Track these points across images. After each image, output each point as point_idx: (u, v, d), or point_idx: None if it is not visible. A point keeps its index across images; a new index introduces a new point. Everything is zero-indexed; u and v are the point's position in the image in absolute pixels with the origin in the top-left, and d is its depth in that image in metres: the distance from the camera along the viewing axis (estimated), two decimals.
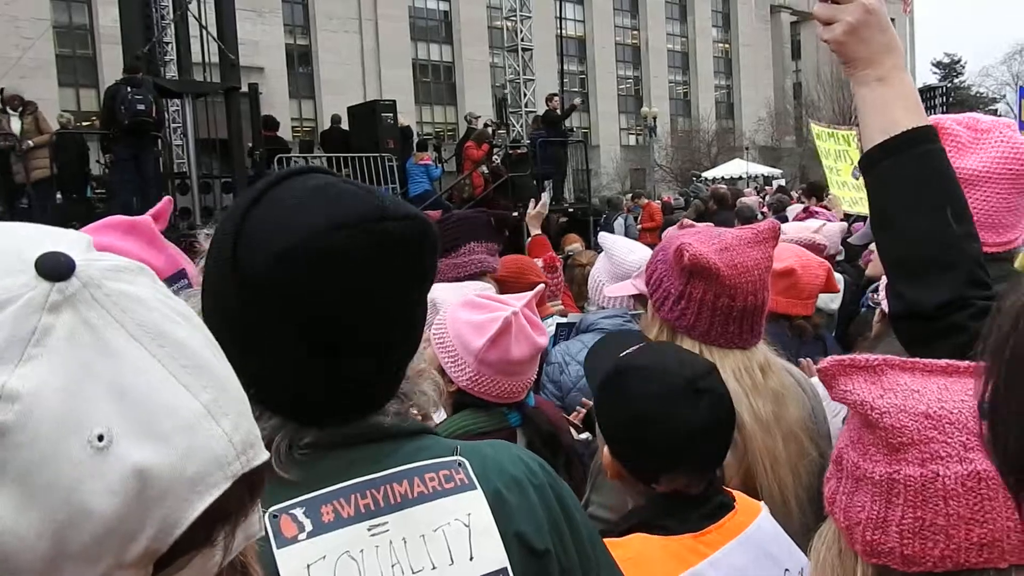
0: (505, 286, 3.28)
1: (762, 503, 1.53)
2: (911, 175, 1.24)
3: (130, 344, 0.52)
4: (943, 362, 0.86)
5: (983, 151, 1.69)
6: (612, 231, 12.86)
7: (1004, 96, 58.61)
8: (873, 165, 1.29)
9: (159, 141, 11.85)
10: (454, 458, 1.05)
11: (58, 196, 11.69)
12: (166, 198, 1.72)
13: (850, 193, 6.75)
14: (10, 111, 11.40)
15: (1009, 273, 1.78)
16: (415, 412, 1.10)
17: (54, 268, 0.52)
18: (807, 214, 6.50)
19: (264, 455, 0.59)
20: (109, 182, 11.27)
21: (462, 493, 1.03)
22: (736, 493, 1.51)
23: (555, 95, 16.72)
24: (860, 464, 0.86)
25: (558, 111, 16.05)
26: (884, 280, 2.82)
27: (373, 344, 0.99)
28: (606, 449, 1.51)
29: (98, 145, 12.32)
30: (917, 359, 0.87)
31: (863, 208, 6.49)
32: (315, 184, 0.99)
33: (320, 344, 0.95)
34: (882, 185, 1.29)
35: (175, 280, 1.48)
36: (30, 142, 11.13)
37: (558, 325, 3.23)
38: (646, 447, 1.43)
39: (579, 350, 3.02)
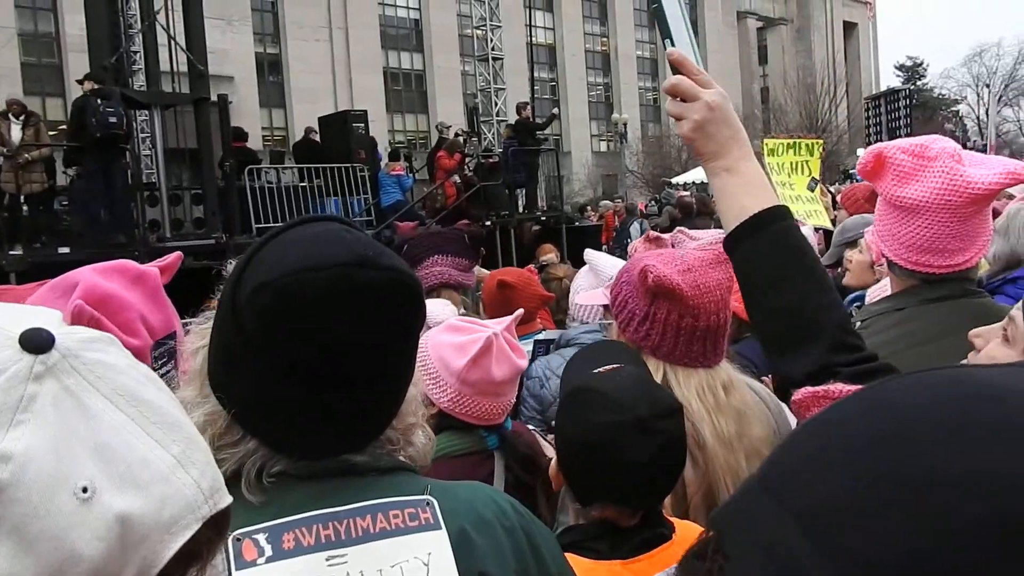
0: (515, 291, 3.30)
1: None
2: (766, 255, 1.30)
3: (107, 406, 0.59)
4: None
5: (925, 181, 1.73)
6: (629, 236, 12.92)
7: (965, 97, 59.78)
8: (732, 251, 1.35)
9: (127, 153, 11.73)
10: (423, 497, 1.06)
11: (24, 209, 11.48)
12: (177, 253, 1.67)
13: (804, 206, 6.72)
14: (12, 118, 11.00)
15: (959, 293, 1.83)
16: (400, 457, 1.11)
17: (36, 342, 0.58)
18: None
19: (228, 499, 0.65)
20: (77, 194, 11.08)
21: (425, 532, 1.04)
22: (682, 525, 1.51)
23: (527, 104, 16.79)
24: None
25: (531, 119, 16.13)
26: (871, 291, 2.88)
27: (341, 383, 1.01)
28: (555, 459, 1.53)
29: (62, 157, 12.09)
30: None
31: (818, 220, 6.55)
32: (317, 230, 1.05)
33: (288, 376, 1.00)
34: (742, 268, 1.35)
35: (166, 341, 1.46)
36: (27, 156, 10.83)
37: (536, 342, 3.24)
38: (584, 472, 1.45)
39: (559, 364, 3.03)
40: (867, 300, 2.91)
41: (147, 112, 12.69)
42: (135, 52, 14.15)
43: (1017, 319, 1.35)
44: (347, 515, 1.02)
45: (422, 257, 3.24)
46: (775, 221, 1.31)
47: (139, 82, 13.52)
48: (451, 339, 1.98)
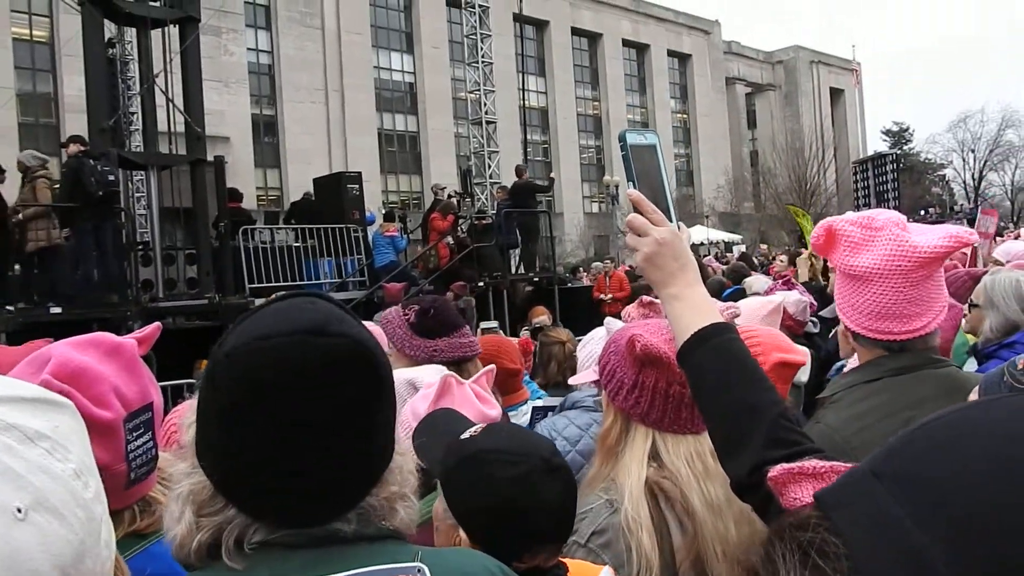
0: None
1: (603, 568, 1.57)
2: (710, 366, 1.43)
3: None
4: None
5: (874, 249, 1.82)
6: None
7: (951, 162, 60.71)
8: (683, 365, 1.49)
9: (122, 213, 11.76)
10: (413, 564, 1.06)
11: (16, 268, 11.44)
12: (156, 324, 1.70)
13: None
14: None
15: (924, 362, 1.89)
16: (387, 525, 1.11)
17: None
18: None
19: None
20: (69, 254, 11.06)
21: None
22: (575, 564, 1.57)
23: (526, 166, 17.03)
24: None
25: (532, 181, 16.37)
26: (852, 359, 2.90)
27: (304, 450, 1.02)
28: (462, 533, 1.52)
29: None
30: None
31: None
32: (294, 302, 1.08)
33: (252, 443, 1.01)
34: (691, 380, 1.48)
35: (142, 412, 1.48)
36: (19, 215, 10.77)
37: (534, 408, 3.22)
38: (506, 528, 1.46)
39: (565, 426, 3.02)
40: (846, 369, 2.94)
41: (143, 172, 12.76)
42: (132, 113, 14.34)
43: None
44: None
45: (460, 324, 3.12)
46: (716, 336, 1.44)
47: (136, 143, 13.67)
48: (422, 393, 2.03)
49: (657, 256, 1.51)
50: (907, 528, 0.54)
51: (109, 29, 14.27)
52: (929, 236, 1.81)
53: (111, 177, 10.37)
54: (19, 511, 0.62)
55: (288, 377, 1.00)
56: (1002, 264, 5.22)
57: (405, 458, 1.16)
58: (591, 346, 3.22)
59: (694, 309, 1.49)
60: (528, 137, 31.23)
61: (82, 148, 10.64)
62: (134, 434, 1.46)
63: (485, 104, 20.52)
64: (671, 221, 1.54)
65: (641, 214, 1.53)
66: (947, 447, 0.57)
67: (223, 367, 1.03)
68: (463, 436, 1.58)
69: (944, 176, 63.30)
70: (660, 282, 1.52)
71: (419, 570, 1.05)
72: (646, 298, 6.04)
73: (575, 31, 49.60)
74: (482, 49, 20.56)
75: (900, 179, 30.94)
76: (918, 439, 0.60)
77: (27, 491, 0.63)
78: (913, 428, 0.62)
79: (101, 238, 10.69)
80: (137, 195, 15.59)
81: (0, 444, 0.63)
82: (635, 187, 1.56)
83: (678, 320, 1.50)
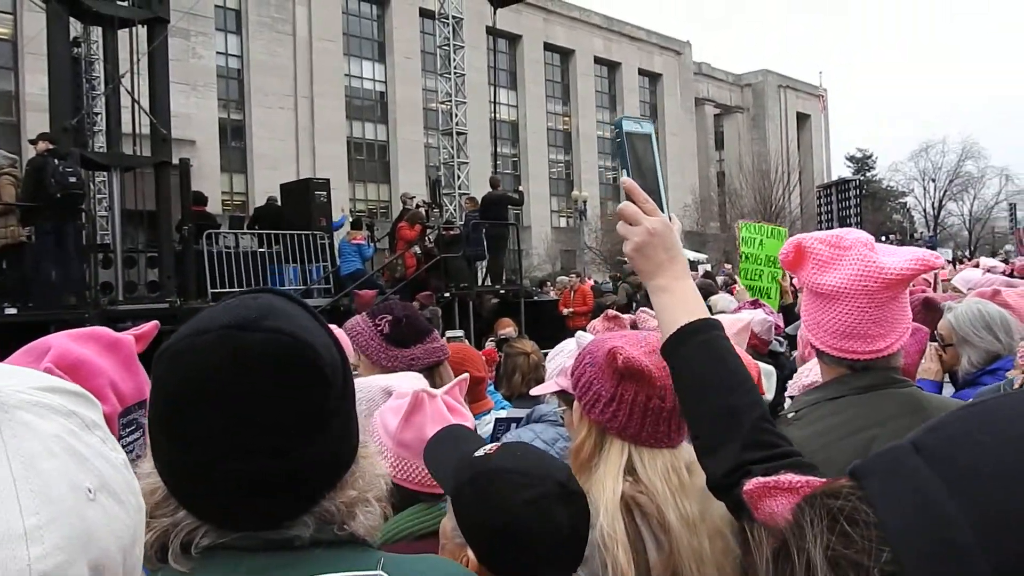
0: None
1: None
2: (693, 362, 1.45)
3: (3, 459, 0.61)
4: None
5: (841, 268, 1.83)
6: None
7: (912, 190, 61.95)
8: (668, 359, 1.50)
9: (83, 214, 11.55)
10: (374, 572, 1.02)
11: None
12: (154, 322, 1.69)
13: (760, 283, 7.33)
14: None
15: (886, 382, 1.91)
16: (348, 531, 1.07)
17: None
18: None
19: None
20: (28, 254, 10.82)
21: None
22: None
23: (498, 178, 17.05)
24: None
25: (508, 193, 16.41)
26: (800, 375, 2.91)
27: (239, 450, 0.98)
28: (470, 552, 1.49)
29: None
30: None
31: (768, 299, 6.91)
32: (244, 298, 1.06)
33: (188, 443, 0.98)
34: (675, 374, 1.49)
35: (136, 409, 1.48)
36: None
37: (497, 420, 3.19)
38: (518, 553, 1.43)
39: (531, 439, 2.98)
40: (795, 380, 2.97)
41: (106, 173, 12.55)
42: (96, 114, 14.11)
43: None
44: None
45: (407, 343, 3.09)
46: (702, 332, 1.45)
47: (99, 143, 13.45)
48: (391, 404, 1.98)
49: (647, 246, 1.50)
50: (942, 501, 0.54)
51: (75, 28, 14.06)
52: (896, 258, 1.82)
53: (72, 179, 10.16)
54: (90, 491, 0.65)
55: (222, 370, 0.97)
56: (962, 292, 5.30)
57: (370, 462, 1.12)
58: (560, 359, 3.20)
59: (681, 302, 1.50)
60: (498, 150, 31.29)
61: (50, 147, 10.44)
62: (127, 430, 1.47)
63: (456, 115, 20.51)
64: (663, 212, 1.53)
65: (634, 203, 1.52)
66: (991, 426, 0.57)
67: (159, 364, 1.01)
68: (477, 453, 1.55)
69: (905, 204, 64.54)
70: (648, 273, 1.52)
71: None
72: (611, 312, 6.11)
73: (548, 46, 49.89)
74: (455, 61, 20.57)
75: (863, 205, 31.53)
76: (963, 418, 0.60)
77: (94, 474, 0.66)
78: (959, 408, 0.62)
79: (62, 239, 10.49)
80: (99, 196, 15.33)
81: (65, 428, 0.66)
82: (629, 175, 1.55)
83: (664, 312, 1.50)
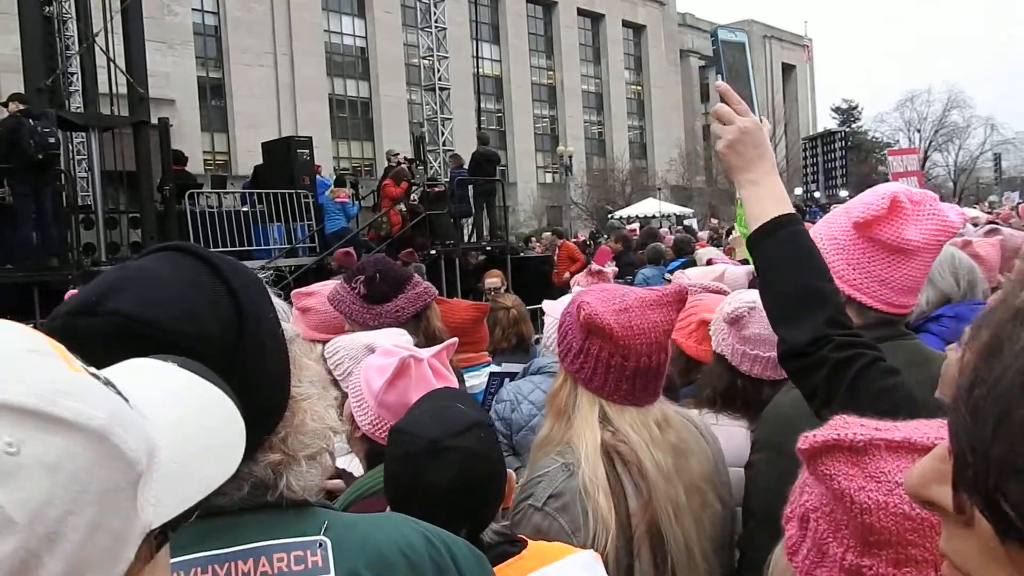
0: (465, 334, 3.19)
1: (578, 552, 1.52)
2: (781, 251, 1.58)
3: None
4: (929, 440, 0.81)
5: (920, 222, 1.78)
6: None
7: (898, 141, 61.82)
8: (755, 246, 1.63)
9: (62, 176, 11.40)
10: (315, 538, 1.00)
11: None
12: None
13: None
14: None
15: (900, 334, 1.88)
16: (290, 495, 1.03)
17: None
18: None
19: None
20: (6, 216, 10.67)
21: None
22: (539, 545, 1.53)
23: (487, 135, 16.88)
24: (830, 541, 0.84)
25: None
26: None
27: None
28: None
29: None
30: (905, 438, 0.83)
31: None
32: (105, 272, 1.03)
33: None
34: (762, 259, 1.62)
35: None
36: None
37: (491, 374, 3.20)
38: (402, 504, 1.45)
39: (531, 391, 3.02)
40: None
41: (84, 134, 12.35)
42: (72, 74, 13.82)
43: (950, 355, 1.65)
44: (228, 558, 0.97)
45: (409, 275, 3.06)
46: (789, 225, 1.58)
47: (76, 104, 13.19)
48: (377, 361, 1.98)
49: (739, 143, 1.63)
50: None
51: None
52: (951, 212, 1.81)
53: (51, 140, 10.00)
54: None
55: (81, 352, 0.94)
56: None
57: (308, 416, 1.07)
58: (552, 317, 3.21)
59: (770, 195, 1.62)
60: (482, 105, 30.98)
61: (21, 107, 10.25)
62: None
63: (439, 71, 20.28)
64: (753, 114, 1.66)
65: (727, 104, 1.65)
66: None
67: None
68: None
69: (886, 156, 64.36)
70: (740, 168, 1.64)
71: (320, 544, 1.00)
72: (594, 266, 6.11)
73: None
74: (435, 14, 20.28)
75: (848, 157, 31.50)
76: None
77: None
78: None
79: (41, 201, 10.35)
80: (78, 158, 15.10)
81: None
82: (724, 79, 1.69)
83: (754, 205, 1.62)
